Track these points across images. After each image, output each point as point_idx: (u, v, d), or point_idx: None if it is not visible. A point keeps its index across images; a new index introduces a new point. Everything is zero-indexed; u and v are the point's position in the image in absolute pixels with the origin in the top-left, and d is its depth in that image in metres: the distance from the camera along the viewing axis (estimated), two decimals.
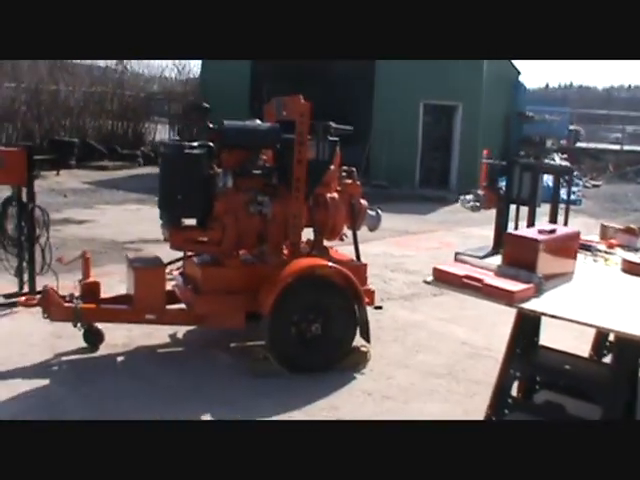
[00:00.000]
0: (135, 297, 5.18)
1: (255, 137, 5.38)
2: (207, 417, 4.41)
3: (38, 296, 5.37)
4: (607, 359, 5.18)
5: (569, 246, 4.62)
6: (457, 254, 9.31)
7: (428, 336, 6.22)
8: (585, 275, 4.56)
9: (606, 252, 5.19)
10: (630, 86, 69.47)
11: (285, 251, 5.55)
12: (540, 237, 4.29)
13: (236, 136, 5.28)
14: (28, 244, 6.56)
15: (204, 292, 5.23)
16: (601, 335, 5.47)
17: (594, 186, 18.81)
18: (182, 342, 5.83)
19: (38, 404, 4.53)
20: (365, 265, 5.69)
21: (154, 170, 18.74)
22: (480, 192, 9.18)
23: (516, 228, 9.14)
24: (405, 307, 7.11)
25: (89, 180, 15.91)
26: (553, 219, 8.91)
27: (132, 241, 9.63)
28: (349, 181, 5.85)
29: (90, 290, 5.41)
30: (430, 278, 4.33)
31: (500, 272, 4.20)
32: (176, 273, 5.84)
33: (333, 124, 5.52)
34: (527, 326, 4.52)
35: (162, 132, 22.43)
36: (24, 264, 6.68)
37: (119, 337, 5.68)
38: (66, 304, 5.21)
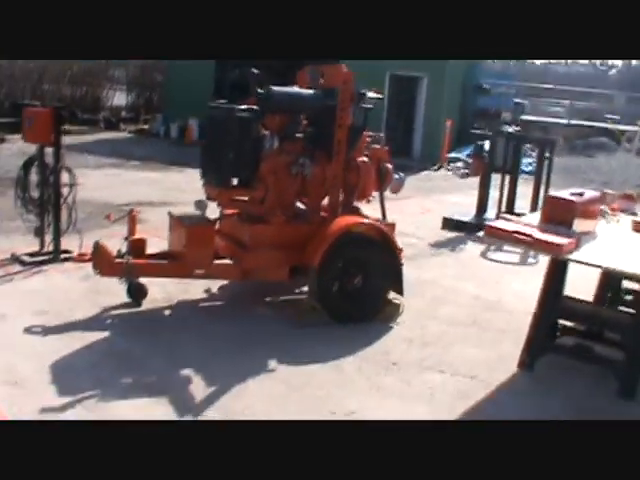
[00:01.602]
0: (186, 253, 5.43)
1: (299, 102, 5.67)
2: (274, 364, 4.74)
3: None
4: None
5: (594, 208, 5.16)
6: (445, 218, 9.89)
7: (444, 291, 6.67)
8: (606, 233, 5.10)
9: (613, 215, 5.76)
10: (567, 62, 71.57)
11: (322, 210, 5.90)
12: (576, 199, 4.81)
13: (283, 100, 5.56)
14: (54, 204, 6.70)
15: (251, 248, 5.53)
16: (603, 287, 6.04)
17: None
18: (219, 297, 6.12)
19: (111, 353, 4.78)
20: (394, 224, 6.10)
21: (117, 135, 18.86)
22: (469, 160, 9.72)
23: (501, 196, 9.74)
24: (412, 266, 7.49)
25: None
26: (537, 188, 9.53)
27: (127, 204, 9.72)
28: (377, 146, 6.21)
29: (137, 246, 5.63)
30: (481, 233, 4.79)
31: (543, 228, 4.68)
32: None
33: (367, 92, 5.86)
34: (557, 277, 5.00)
35: (120, 98, 22.20)
36: (46, 224, 6.82)
37: (156, 292, 5.90)
38: (117, 260, 5.43)
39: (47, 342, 4.86)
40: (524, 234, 4.53)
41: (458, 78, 19.64)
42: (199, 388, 4.32)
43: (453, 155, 16.94)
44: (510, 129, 11.03)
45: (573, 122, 23.32)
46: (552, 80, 46.12)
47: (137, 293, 5.65)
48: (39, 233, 6.81)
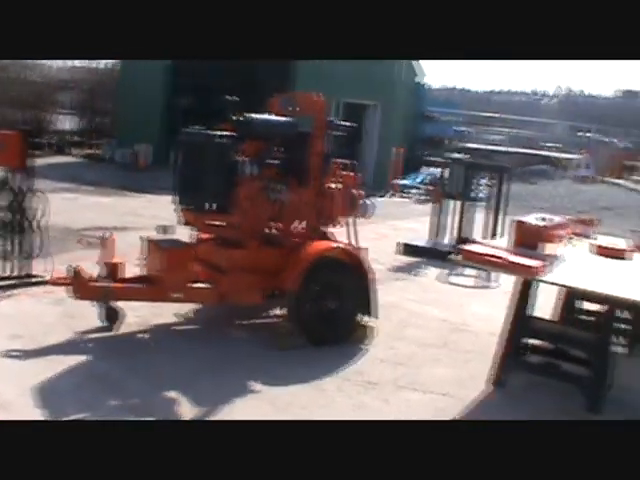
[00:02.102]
0: (164, 276, 5.49)
1: (277, 129, 5.82)
2: (256, 385, 4.83)
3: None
4: None
5: (559, 233, 5.45)
6: (403, 244, 10.10)
7: (409, 315, 6.87)
8: (569, 255, 5.38)
9: (571, 239, 6.07)
10: (508, 90, 74.71)
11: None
12: (544, 224, 5.09)
13: (261, 128, 5.70)
14: (25, 228, 6.68)
15: (228, 272, 5.63)
16: (566, 306, 6.29)
17: (488, 185, 20.21)
18: (193, 321, 6.16)
19: (91, 376, 4.81)
20: (366, 249, 6.27)
21: (67, 159, 18.63)
22: (430, 188, 10.04)
23: (461, 221, 10.04)
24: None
25: None
26: (496, 214, 9.88)
27: (86, 228, 9.69)
28: (347, 173, 6.40)
29: (113, 270, 5.66)
30: (454, 256, 5.01)
31: (514, 252, 4.93)
32: None
33: (338, 121, 6.06)
34: (525, 298, 5.24)
35: (68, 122, 22.00)
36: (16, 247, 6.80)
37: (130, 317, 5.89)
38: (95, 284, 5.46)
39: (26, 366, 4.86)
40: (498, 257, 4.78)
41: (406, 106, 20.14)
42: (185, 409, 4.39)
43: (404, 182, 17.33)
44: (458, 157, 11.46)
45: (515, 150, 24.11)
46: (493, 108, 47.67)
47: (112, 317, 5.67)
48: (7, 257, 6.77)
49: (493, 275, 9.07)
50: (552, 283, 4.67)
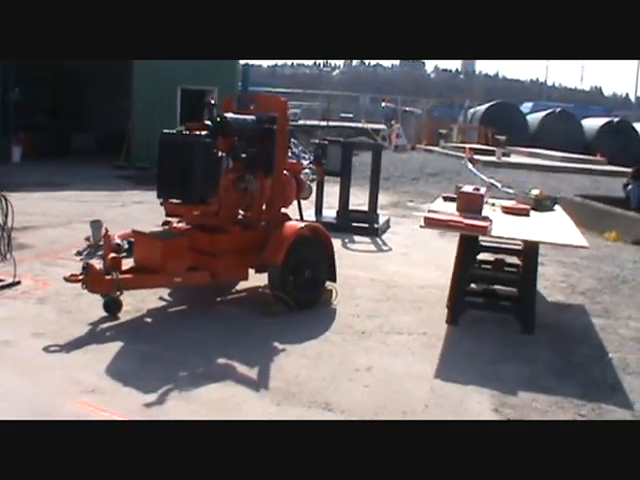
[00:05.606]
0: (164, 264, 6.15)
1: (247, 127, 6.66)
2: (280, 345, 5.75)
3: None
4: None
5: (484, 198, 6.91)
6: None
7: (345, 278, 7.93)
8: (492, 216, 6.83)
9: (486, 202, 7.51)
10: (293, 64, 77.01)
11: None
12: (480, 192, 6.50)
13: (235, 126, 6.52)
14: None
15: (220, 255, 6.45)
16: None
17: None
18: (177, 302, 6.84)
19: (146, 358, 5.38)
20: (318, 224, 7.35)
21: None
22: (314, 167, 11.21)
23: (346, 196, 11.31)
24: None
25: None
26: (372, 186, 11.25)
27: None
28: (293, 161, 7.41)
29: (114, 264, 6.24)
30: (422, 223, 6.25)
31: (465, 216, 6.26)
32: None
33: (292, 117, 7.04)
34: (469, 252, 6.62)
35: None
36: None
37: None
38: (107, 276, 6.02)
39: (78, 357, 5.33)
40: (457, 222, 6.09)
41: (238, 89, 21.04)
42: (245, 370, 5.24)
43: None
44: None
45: (336, 124, 25.85)
46: (280, 83, 49.39)
47: (115, 306, 6.24)
48: None
49: (380, 241, 10.55)
50: (500, 237, 6.08)
